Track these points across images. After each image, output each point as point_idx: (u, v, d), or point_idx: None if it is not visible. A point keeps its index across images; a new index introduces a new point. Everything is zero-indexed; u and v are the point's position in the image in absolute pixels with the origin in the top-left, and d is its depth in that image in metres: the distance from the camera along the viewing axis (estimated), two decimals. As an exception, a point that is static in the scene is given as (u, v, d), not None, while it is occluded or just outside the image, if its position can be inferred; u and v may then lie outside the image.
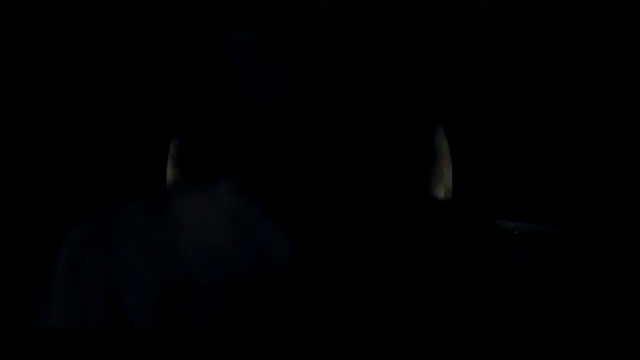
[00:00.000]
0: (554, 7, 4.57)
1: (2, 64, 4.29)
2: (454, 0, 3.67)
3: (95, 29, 4.44)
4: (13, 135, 4.33)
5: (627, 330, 2.51)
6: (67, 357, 2.03)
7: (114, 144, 4.44)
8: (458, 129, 4.79)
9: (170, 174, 4.24)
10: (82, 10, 4.39)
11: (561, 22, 4.56)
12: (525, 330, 3.52)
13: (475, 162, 4.89)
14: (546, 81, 4.73)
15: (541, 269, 3.52)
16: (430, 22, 4.54)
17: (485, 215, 4.19)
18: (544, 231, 4.01)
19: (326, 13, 4.49)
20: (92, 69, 4.37)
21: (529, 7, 4.68)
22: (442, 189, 6.56)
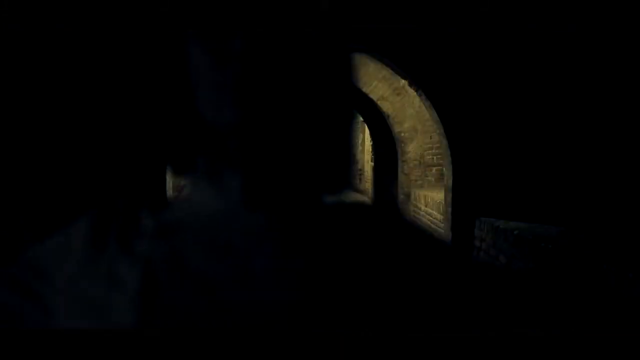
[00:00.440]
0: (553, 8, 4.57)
1: (2, 64, 4.29)
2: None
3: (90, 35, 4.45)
4: (13, 136, 4.33)
5: (627, 330, 2.51)
6: (67, 357, 2.03)
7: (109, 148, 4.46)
8: (458, 129, 4.79)
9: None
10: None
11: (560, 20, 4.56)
12: (525, 330, 3.52)
13: (475, 162, 4.90)
14: (546, 82, 4.73)
15: (541, 269, 3.52)
16: (431, 22, 4.54)
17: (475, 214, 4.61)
18: (544, 231, 4.02)
19: (326, 13, 4.50)
20: (90, 77, 4.38)
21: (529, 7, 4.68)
22: (442, 188, 6.65)
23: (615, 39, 4.63)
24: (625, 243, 3.29)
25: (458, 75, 4.81)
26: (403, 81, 6.85)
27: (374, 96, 7.77)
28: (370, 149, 12.49)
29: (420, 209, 7.26)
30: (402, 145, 7.79)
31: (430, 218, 6.61)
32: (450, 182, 5.00)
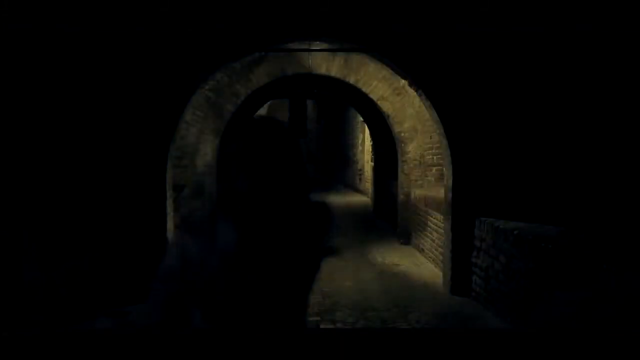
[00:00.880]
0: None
1: (2, 64, 4.29)
2: None
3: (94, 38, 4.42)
4: (13, 137, 4.32)
5: (626, 329, 2.51)
6: (67, 357, 2.03)
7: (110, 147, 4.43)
8: (458, 129, 4.79)
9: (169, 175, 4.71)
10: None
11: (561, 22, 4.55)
12: (524, 330, 3.51)
13: (475, 162, 4.90)
14: (546, 82, 4.73)
15: (541, 269, 3.52)
16: (433, 24, 4.54)
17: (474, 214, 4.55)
18: (544, 231, 4.02)
19: (326, 13, 4.49)
20: (91, 78, 4.37)
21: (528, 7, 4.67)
22: (442, 188, 6.53)
23: (613, 39, 4.63)
24: (625, 243, 3.28)
25: (458, 76, 4.81)
26: (403, 81, 6.84)
27: (374, 96, 7.77)
28: (370, 149, 12.48)
29: (420, 209, 7.26)
30: (402, 145, 7.79)
31: (431, 218, 6.61)
32: (450, 182, 5.00)
